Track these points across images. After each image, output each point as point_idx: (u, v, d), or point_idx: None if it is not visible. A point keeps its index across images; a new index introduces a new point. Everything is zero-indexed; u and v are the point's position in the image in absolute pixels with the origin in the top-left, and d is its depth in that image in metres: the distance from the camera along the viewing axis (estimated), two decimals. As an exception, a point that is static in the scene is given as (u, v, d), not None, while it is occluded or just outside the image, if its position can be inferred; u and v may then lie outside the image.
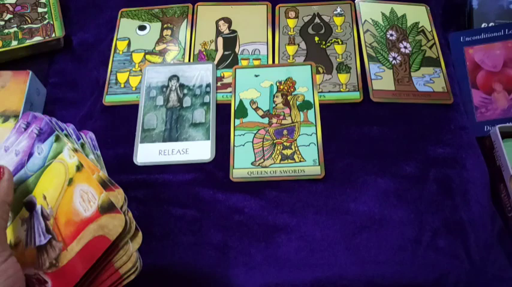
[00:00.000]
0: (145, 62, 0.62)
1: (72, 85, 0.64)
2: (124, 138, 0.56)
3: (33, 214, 0.39)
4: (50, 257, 0.37)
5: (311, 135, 0.55)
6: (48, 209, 0.38)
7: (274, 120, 0.57)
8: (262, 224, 0.50)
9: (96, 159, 0.42)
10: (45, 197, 0.38)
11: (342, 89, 0.58)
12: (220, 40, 0.64)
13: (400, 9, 0.65)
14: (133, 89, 0.60)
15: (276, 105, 0.58)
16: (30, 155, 0.40)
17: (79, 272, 0.36)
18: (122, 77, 0.61)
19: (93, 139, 0.44)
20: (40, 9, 0.68)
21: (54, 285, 0.37)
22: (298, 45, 0.63)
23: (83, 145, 0.42)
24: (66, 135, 0.41)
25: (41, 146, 0.40)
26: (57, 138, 0.39)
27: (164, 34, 0.65)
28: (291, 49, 0.62)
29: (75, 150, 0.39)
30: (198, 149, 0.55)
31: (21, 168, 0.40)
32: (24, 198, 0.39)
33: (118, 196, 0.37)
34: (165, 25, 0.65)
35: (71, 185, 0.38)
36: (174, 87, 0.60)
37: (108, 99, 0.59)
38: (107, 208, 0.36)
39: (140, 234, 0.37)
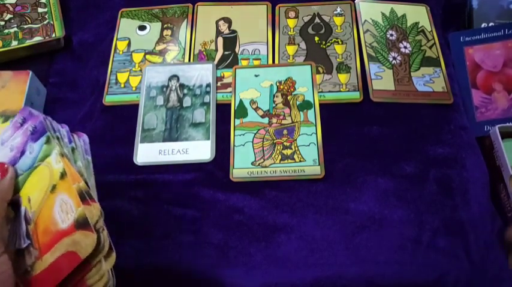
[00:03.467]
0: (146, 62, 0.62)
1: (72, 85, 0.64)
2: (124, 138, 0.56)
3: (18, 215, 0.37)
4: (26, 264, 0.35)
5: (311, 135, 0.55)
6: (31, 212, 0.36)
7: (274, 120, 0.57)
8: (262, 224, 0.50)
9: (85, 165, 0.40)
10: (29, 200, 0.37)
11: (342, 89, 0.58)
12: (220, 40, 0.64)
13: (400, 9, 0.65)
14: (134, 89, 0.60)
15: (276, 105, 0.58)
16: (23, 152, 0.38)
17: (49, 285, 0.34)
18: (122, 77, 0.61)
19: (86, 143, 0.42)
20: (40, 9, 0.68)
21: None
22: (298, 45, 0.63)
23: (73, 150, 0.40)
24: (57, 138, 0.39)
25: (33, 145, 0.38)
26: (48, 140, 0.38)
27: (164, 34, 0.65)
28: (291, 49, 0.62)
29: (62, 155, 0.37)
30: (198, 149, 0.55)
31: (14, 164, 0.38)
32: (13, 196, 0.37)
33: (93, 211, 0.35)
34: (165, 25, 0.65)
35: (54, 192, 0.36)
36: (174, 87, 0.60)
37: (108, 99, 0.59)
38: (82, 224, 0.34)
39: (114, 254, 0.35)
